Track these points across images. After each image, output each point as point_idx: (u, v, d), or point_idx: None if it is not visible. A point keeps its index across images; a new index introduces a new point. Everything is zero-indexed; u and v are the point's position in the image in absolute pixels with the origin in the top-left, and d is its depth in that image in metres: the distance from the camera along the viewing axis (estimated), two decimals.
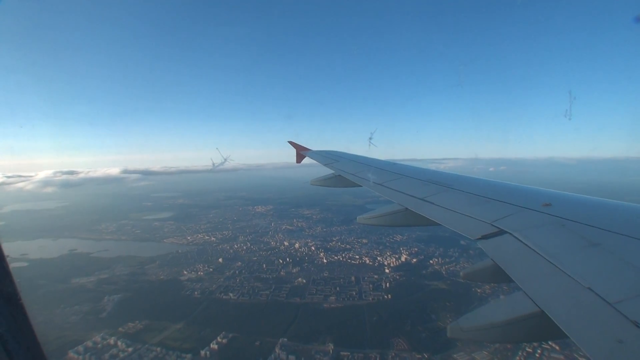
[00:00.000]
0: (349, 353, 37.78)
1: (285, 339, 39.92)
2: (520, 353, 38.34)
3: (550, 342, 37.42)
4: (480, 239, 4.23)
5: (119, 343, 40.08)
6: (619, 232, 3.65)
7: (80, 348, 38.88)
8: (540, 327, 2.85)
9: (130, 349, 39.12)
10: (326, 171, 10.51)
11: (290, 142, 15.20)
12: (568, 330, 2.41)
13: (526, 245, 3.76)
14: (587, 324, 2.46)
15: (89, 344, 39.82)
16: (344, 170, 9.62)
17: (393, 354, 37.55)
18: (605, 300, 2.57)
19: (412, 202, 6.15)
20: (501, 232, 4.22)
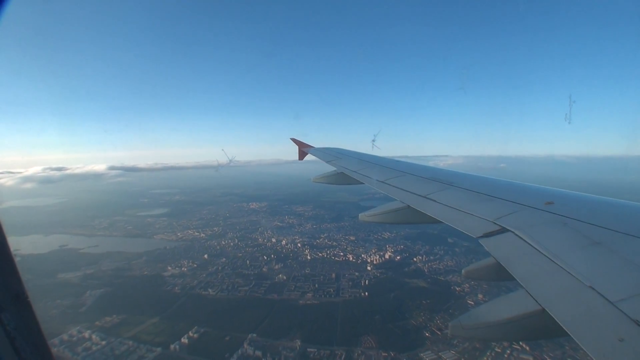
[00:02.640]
0: (315, 350, 38.04)
1: (255, 335, 40.40)
2: (488, 353, 37.94)
3: (521, 343, 37.09)
4: (482, 237, 4.27)
5: (94, 336, 40.92)
6: (621, 231, 3.66)
7: (56, 341, 39.71)
8: (541, 326, 2.89)
9: (103, 342, 39.91)
10: (328, 168, 10.61)
11: (293, 139, 15.27)
12: (570, 329, 2.44)
13: (528, 243, 3.79)
14: (588, 323, 2.49)
15: (65, 337, 40.72)
16: (347, 168, 9.71)
17: (359, 352, 37.62)
18: (607, 299, 2.59)
19: (415, 200, 6.20)
20: (503, 230, 4.26)
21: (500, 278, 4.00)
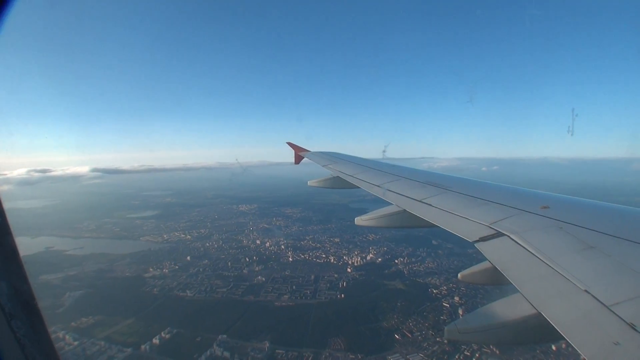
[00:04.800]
0: (283, 351, 38.32)
1: (225, 336, 40.70)
2: (457, 356, 37.59)
3: (491, 346, 36.87)
4: (478, 241, 4.29)
5: (67, 337, 41.32)
6: (615, 235, 3.69)
7: None
8: (537, 330, 2.90)
9: (76, 343, 40.36)
10: (325, 170, 10.73)
11: (289, 144, 15.20)
12: (565, 333, 2.45)
13: (524, 247, 3.81)
14: (584, 327, 2.49)
15: None
16: (342, 172, 9.75)
17: (327, 354, 37.75)
18: (602, 303, 2.61)
19: (410, 204, 6.22)
20: (499, 235, 4.29)
21: (496, 282, 4.05)
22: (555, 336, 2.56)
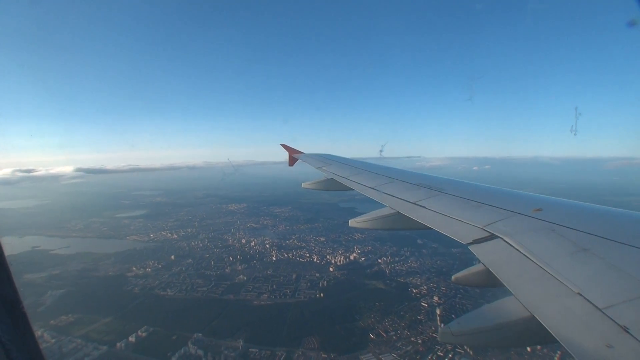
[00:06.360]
0: (257, 350, 38.62)
1: (200, 334, 41.02)
2: (429, 357, 37.50)
3: (465, 347, 36.97)
4: (471, 243, 4.28)
5: (45, 335, 41.77)
6: (608, 238, 3.66)
7: None
8: (530, 332, 2.90)
9: (53, 340, 40.73)
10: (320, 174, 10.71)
11: (283, 145, 15.11)
12: (558, 335, 2.44)
13: (517, 250, 3.81)
14: (577, 329, 2.48)
15: None
16: (337, 174, 9.73)
17: (300, 353, 38.05)
18: (595, 306, 2.60)
19: (404, 206, 6.21)
20: (492, 237, 4.27)
21: (489, 284, 4.03)
22: (548, 339, 2.57)
